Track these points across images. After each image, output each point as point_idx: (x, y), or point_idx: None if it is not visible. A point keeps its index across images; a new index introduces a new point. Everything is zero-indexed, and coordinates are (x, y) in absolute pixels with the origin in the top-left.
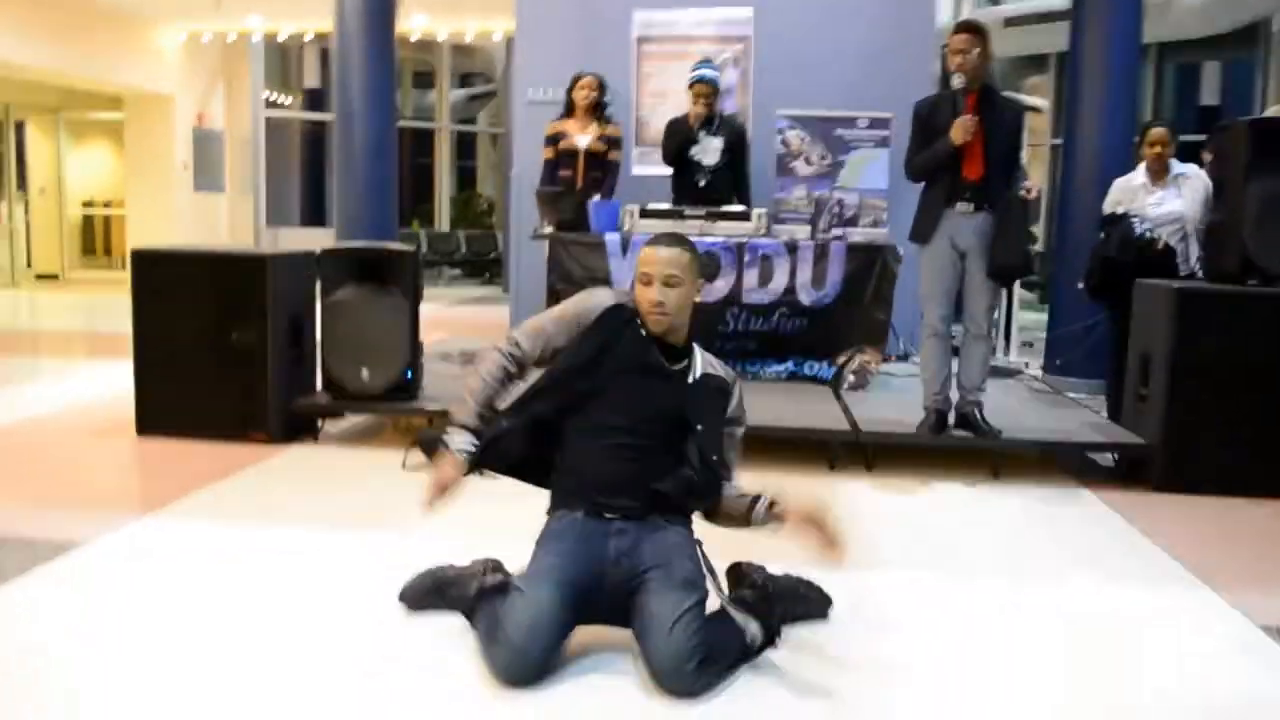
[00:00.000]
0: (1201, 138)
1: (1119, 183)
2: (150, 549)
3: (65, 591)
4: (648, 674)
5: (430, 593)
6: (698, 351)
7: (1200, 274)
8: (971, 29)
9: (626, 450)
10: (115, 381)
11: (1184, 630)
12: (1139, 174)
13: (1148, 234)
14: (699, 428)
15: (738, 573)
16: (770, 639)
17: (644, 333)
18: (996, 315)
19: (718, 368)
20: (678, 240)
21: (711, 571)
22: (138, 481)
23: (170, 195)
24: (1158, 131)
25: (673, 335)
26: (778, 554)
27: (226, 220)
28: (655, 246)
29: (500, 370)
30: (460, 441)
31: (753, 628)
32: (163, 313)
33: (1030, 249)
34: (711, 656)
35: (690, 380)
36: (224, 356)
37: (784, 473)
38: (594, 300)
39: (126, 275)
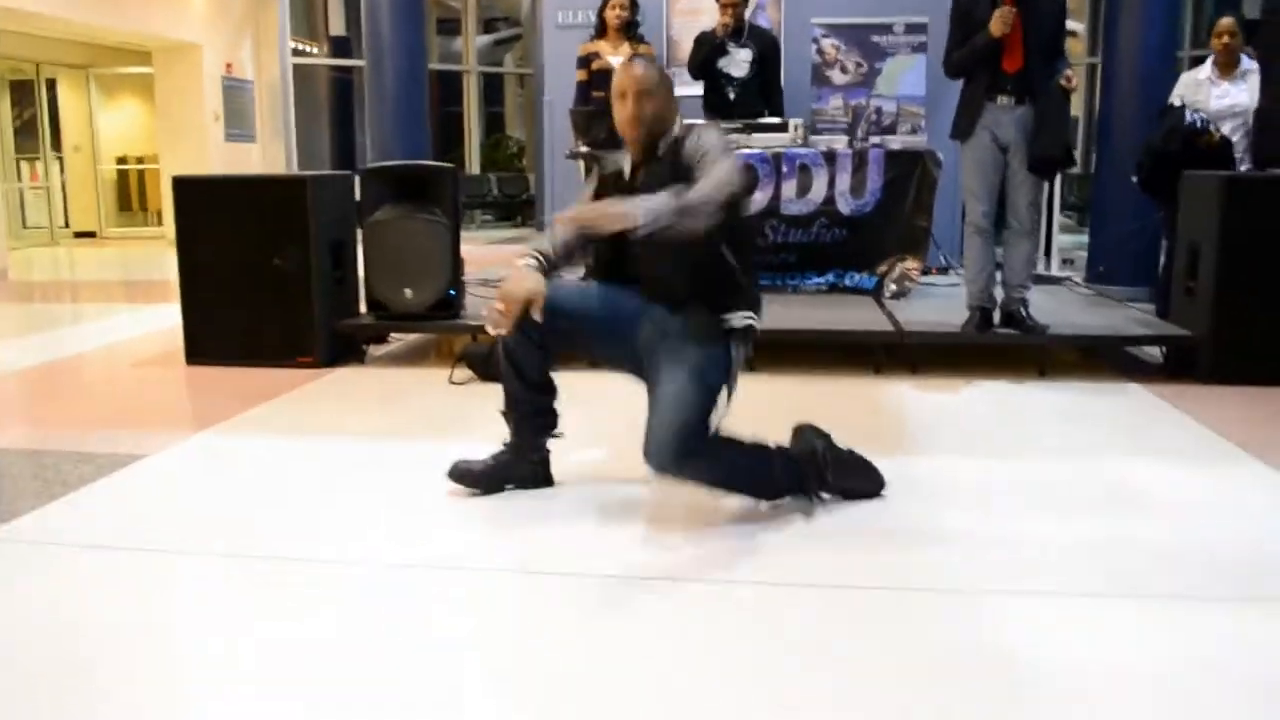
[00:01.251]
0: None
1: (1185, 76)
2: (208, 460)
3: (130, 496)
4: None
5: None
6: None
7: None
8: None
9: (642, 264)
10: (159, 321)
11: (1244, 501)
12: (1206, 67)
13: (1198, 123)
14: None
15: (799, 433)
16: (802, 487)
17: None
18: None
19: (688, 142)
20: (648, 61)
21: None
22: (190, 403)
23: (203, 146)
24: (1225, 21)
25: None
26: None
27: (259, 169)
28: (628, 64)
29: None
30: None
31: (778, 469)
32: (206, 240)
33: (1070, 141)
34: (711, 454)
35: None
36: (268, 281)
37: (829, 377)
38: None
39: (163, 230)
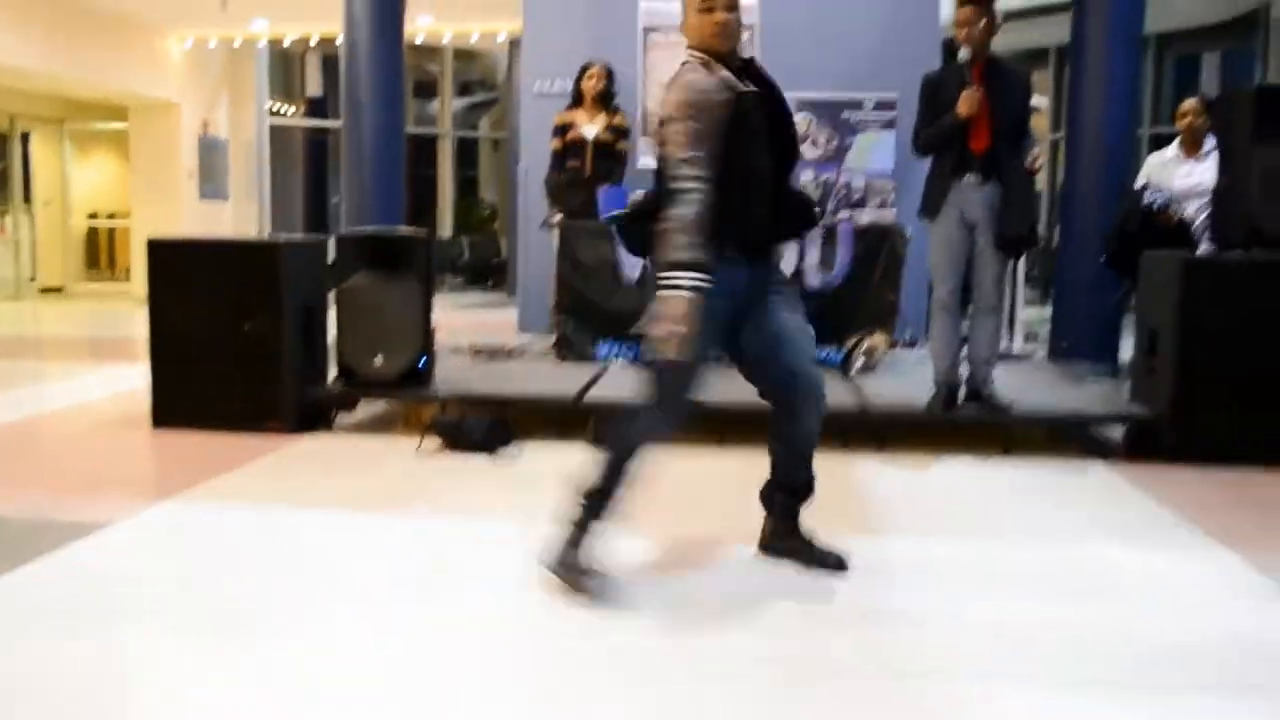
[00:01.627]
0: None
1: (1152, 157)
2: (172, 529)
3: (90, 568)
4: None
5: None
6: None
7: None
8: (976, 1)
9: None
10: (126, 382)
11: (1195, 580)
12: (1172, 147)
13: (1157, 203)
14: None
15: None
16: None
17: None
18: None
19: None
20: None
21: None
22: (156, 469)
23: (175, 204)
24: (1189, 102)
25: (731, 57)
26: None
27: (231, 228)
28: None
29: (702, 208)
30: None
31: None
32: (178, 303)
33: (1036, 220)
34: None
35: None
36: (238, 346)
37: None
38: (705, 93)
39: (130, 287)
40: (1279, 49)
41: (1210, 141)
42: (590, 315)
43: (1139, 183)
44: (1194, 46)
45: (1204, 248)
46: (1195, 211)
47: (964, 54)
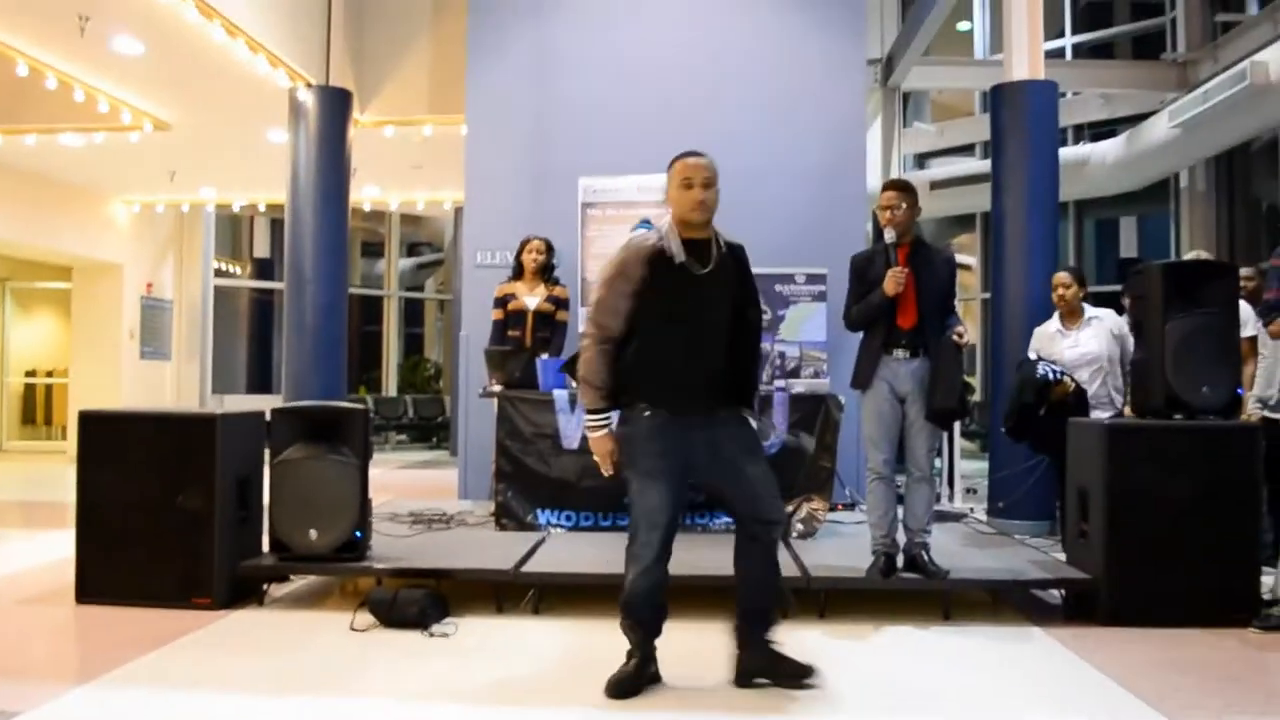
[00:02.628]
0: (1108, 290)
1: (1037, 330)
2: (88, 719)
3: None
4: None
5: None
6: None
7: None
8: (899, 186)
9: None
10: (52, 550)
11: None
12: (1054, 320)
13: (1050, 375)
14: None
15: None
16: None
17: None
18: (939, 461)
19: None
20: (701, 154)
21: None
22: (76, 649)
23: (115, 363)
24: (1059, 276)
25: (705, 229)
26: None
27: (172, 387)
28: (688, 158)
29: (603, 357)
30: (599, 419)
31: None
32: (108, 475)
33: (966, 392)
34: None
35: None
36: (169, 519)
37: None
38: (632, 252)
39: (66, 445)
40: (1189, 214)
41: (1089, 310)
42: (530, 483)
43: (1031, 354)
44: (1111, 212)
45: (1103, 415)
46: (1090, 377)
47: (889, 235)
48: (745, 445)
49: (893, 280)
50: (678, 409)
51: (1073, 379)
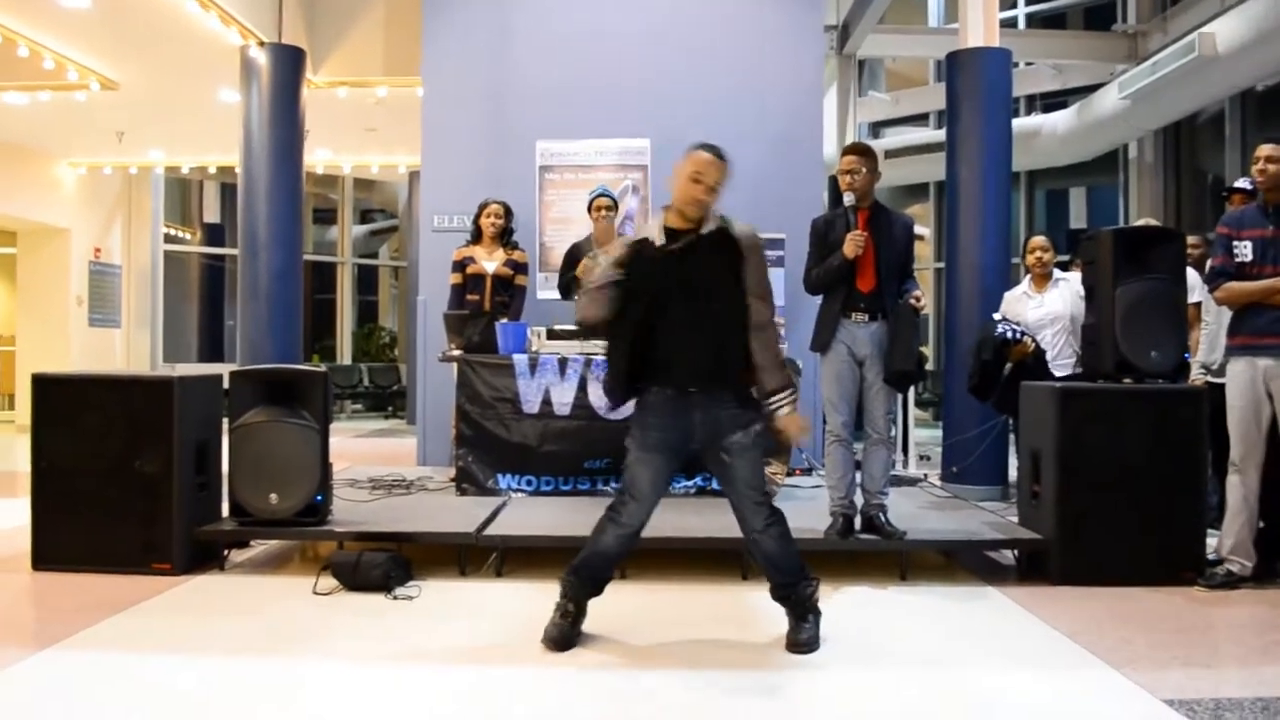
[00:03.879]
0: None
1: (1007, 295)
2: (46, 685)
3: None
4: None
5: None
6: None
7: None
8: (860, 150)
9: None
10: (5, 518)
11: (1091, 708)
12: (1024, 284)
13: (1009, 334)
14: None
15: None
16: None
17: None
18: (894, 427)
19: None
20: (722, 154)
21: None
22: (34, 615)
23: (64, 330)
24: (1036, 239)
25: (696, 220)
26: None
27: (122, 355)
28: (705, 153)
29: (625, 345)
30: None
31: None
32: (63, 439)
33: (922, 355)
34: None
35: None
36: (127, 484)
37: (696, 584)
38: (620, 243)
39: (15, 414)
40: (1138, 185)
41: (1056, 272)
42: (491, 448)
43: (997, 315)
44: (1061, 182)
45: (1060, 373)
46: (1054, 337)
47: (849, 199)
48: (742, 441)
49: (852, 243)
50: (678, 386)
51: (1033, 339)
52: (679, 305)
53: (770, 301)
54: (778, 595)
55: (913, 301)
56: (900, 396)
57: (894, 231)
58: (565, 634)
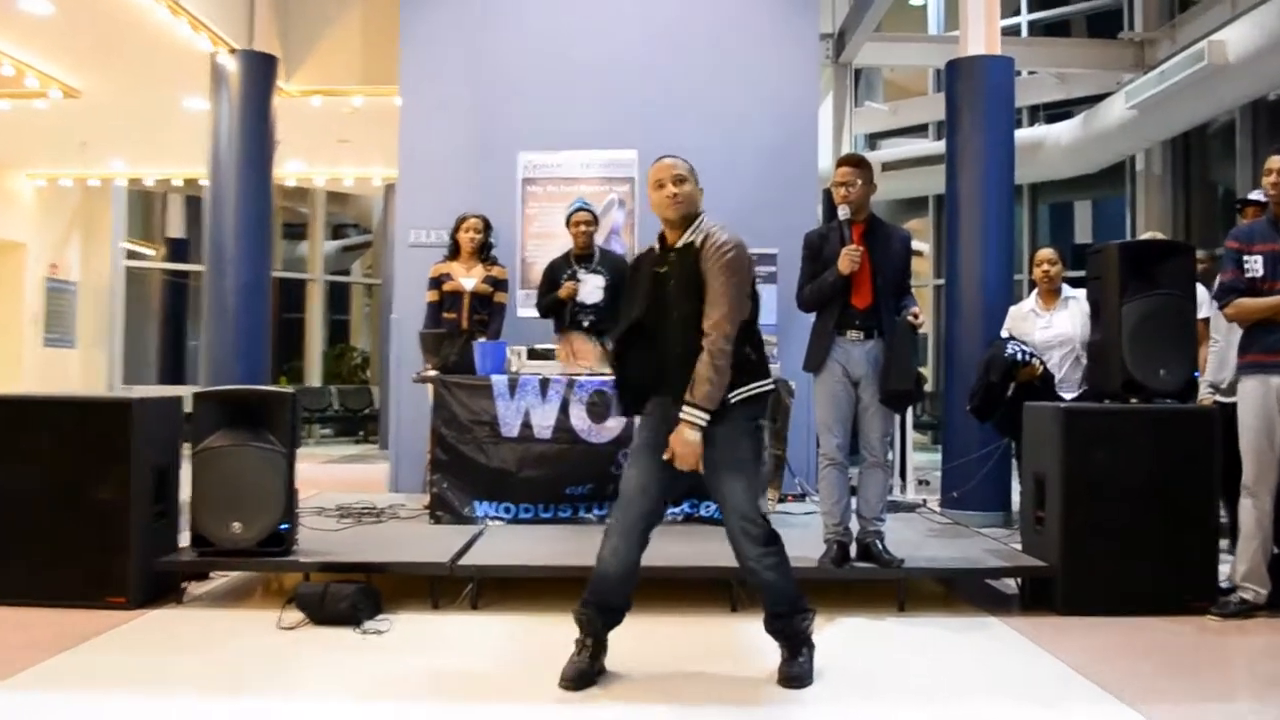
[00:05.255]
0: (1078, 275)
1: (1012, 310)
2: None
3: None
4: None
5: None
6: (696, 231)
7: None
8: (854, 161)
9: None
10: None
11: None
12: (1030, 300)
13: (1019, 356)
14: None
15: None
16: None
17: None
18: (891, 450)
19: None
20: (672, 155)
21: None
22: None
23: (16, 351)
24: (1044, 252)
25: (681, 227)
26: None
27: (78, 377)
28: (658, 160)
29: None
30: None
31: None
32: (12, 465)
33: (921, 375)
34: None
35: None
36: (79, 513)
37: (684, 615)
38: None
39: None
40: (1145, 198)
41: (1067, 290)
42: (467, 474)
43: (1004, 332)
44: (1066, 195)
45: (1068, 396)
46: (1060, 360)
47: (844, 213)
48: (725, 456)
49: (847, 258)
50: (663, 395)
51: (1042, 361)
52: (656, 317)
53: (726, 310)
54: (771, 628)
55: (911, 319)
56: (898, 418)
57: (891, 246)
58: (581, 670)
